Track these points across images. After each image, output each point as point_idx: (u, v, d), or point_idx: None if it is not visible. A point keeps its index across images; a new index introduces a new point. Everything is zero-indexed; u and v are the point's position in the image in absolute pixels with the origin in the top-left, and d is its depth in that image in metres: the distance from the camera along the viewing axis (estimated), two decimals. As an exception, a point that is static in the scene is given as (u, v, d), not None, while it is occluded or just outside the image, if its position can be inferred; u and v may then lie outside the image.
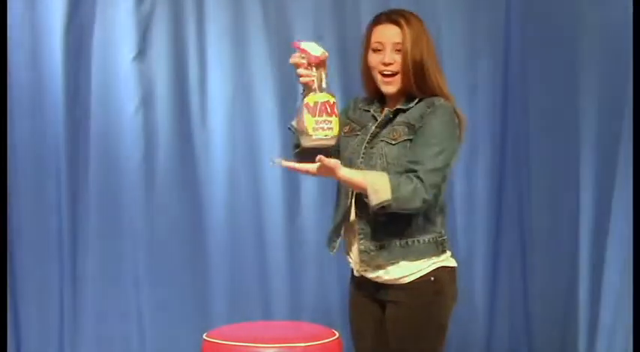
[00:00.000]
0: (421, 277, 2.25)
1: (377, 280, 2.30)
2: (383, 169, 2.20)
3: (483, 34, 3.64)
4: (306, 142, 2.17)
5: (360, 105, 2.40)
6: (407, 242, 2.23)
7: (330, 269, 3.46)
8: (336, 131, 2.16)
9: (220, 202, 3.45)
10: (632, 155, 3.28)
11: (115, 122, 3.37)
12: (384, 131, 2.27)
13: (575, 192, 3.53)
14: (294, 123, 2.31)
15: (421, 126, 2.20)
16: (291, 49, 3.49)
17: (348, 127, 2.35)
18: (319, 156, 2.08)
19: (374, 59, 2.27)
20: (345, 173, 2.13)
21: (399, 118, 2.26)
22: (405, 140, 2.22)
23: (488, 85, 3.64)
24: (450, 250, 2.31)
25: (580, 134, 3.52)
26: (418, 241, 2.24)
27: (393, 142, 2.23)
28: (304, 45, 2.19)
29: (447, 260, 2.30)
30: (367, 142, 2.27)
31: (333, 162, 2.09)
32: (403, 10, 2.30)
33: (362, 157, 2.26)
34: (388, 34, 2.25)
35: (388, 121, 2.28)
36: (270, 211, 3.49)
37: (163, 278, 3.40)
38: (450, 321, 2.29)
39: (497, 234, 3.69)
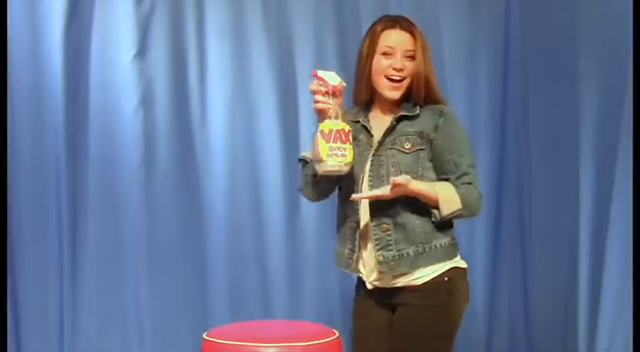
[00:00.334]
0: (435, 278, 2.27)
1: (389, 286, 2.31)
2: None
3: (483, 34, 3.64)
4: (320, 169, 2.21)
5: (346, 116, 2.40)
6: (424, 248, 2.26)
7: (330, 269, 3.45)
8: (349, 158, 2.20)
9: (220, 202, 3.45)
10: (632, 155, 3.27)
11: (115, 122, 3.37)
12: (388, 139, 2.29)
13: (575, 192, 3.53)
14: (306, 153, 2.36)
15: (446, 139, 2.26)
16: (290, 49, 3.54)
17: None
18: (392, 178, 2.15)
19: (382, 63, 2.28)
20: (416, 186, 2.19)
21: (409, 127, 2.28)
22: (418, 149, 2.27)
23: (489, 86, 3.64)
24: (459, 252, 2.35)
25: (580, 134, 3.52)
26: (435, 246, 2.27)
27: (407, 151, 2.26)
28: (322, 74, 2.23)
29: (459, 261, 2.33)
30: (375, 150, 2.29)
31: (403, 178, 2.15)
32: (408, 18, 2.34)
33: (370, 166, 2.28)
34: (400, 40, 2.28)
35: (392, 129, 2.30)
36: (270, 211, 3.49)
37: (163, 277, 3.40)
38: (462, 321, 2.32)
39: (497, 234, 3.69)
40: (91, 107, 3.35)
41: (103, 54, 3.35)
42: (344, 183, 2.35)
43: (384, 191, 2.18)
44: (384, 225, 2.26)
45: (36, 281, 3.31)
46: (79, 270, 3.35)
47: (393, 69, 2.27)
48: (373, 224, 2.27)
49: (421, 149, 2.27)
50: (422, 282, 2.27)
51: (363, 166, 2.29)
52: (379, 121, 2.35)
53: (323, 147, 2.17)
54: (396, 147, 2.27)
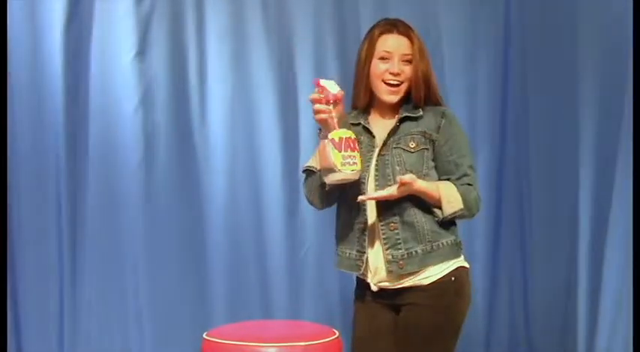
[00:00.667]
0: (442, 277, 2.29)
1: (395, 286, 2.31)
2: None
3: (483, 33, 3.64)
4: (334, 178, 2.19)
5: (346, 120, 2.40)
6: (432, 246, 2.28)
7: (330, 269, 3.45)
8: (359, 166, 2.20)
9: (220, 202, 3.45)
10: (631, 155, 3.27)
11: (115, 121, 3.37)
12: (393, 139, 2.30)
13: (575, 192, 3.53)
14: (312, 164, 2.34)
15: (448, 140, 2.29)
16: (290, 49, 3.53)
17: None
18: (398, 177, 2.17)
19: (380, 67, 2.30)
20: (421, 185, 2.21)
21: (413, 128, 2.30)
22: (422, 149, 2.29)
23: (488, 85, 3.64)
24: (463, 251, 2.37)
25: (580, 134, 3.52)
26: (442, 244, 2.29)
27: (412, 151, 2.28)
28: (323, 82, 2.23)
29: (463, 261, 2.35)
30: (380, 150, 2.30)
31: (409, 177, 2.17)
32: (405, 22, 2.34)
33: (376, 166, 2.29)
34: (397, 44, 2.30)
35: (396, 129, 2.31)
36: (270, 211, 3.49)
37: (163, 277, 3.40)
38: (465, 321, 2.33)
39: (496, 234, 3.69)
40: (91, 107, 3.34)
41: (103, 54, 3.35)
42: (348, 187, 2.35)
43: (391, 191, 2.20)
44: (392, 224, 2.27)
45: (36, 281, 3.31)
46: (79, 270, 3.35)
47: (390, 73, 2.29)
48: (381, 223, 2.28)
49: (425, 148, 2.29)
50: (429, 282, 2.28)
51: (368, 167, 2.30)
52: (379, 124, 2.36)
53: (336, 157, 2.16)
54: (400, 146, 2.29)
